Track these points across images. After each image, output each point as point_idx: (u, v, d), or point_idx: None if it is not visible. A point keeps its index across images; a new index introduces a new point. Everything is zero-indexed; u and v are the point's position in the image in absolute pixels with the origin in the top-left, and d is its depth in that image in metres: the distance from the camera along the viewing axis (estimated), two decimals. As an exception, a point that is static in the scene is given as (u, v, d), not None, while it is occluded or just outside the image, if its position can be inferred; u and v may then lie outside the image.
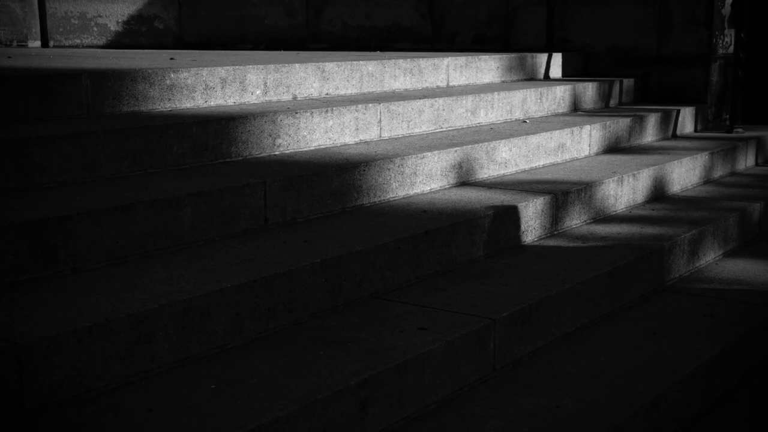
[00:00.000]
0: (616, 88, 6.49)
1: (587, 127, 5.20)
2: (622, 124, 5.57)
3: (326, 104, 4.41)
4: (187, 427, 2.16)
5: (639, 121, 5.78)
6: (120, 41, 8.07)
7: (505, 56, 6.25)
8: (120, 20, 8.06)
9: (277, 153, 3.97)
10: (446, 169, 4.17)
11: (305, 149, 4.10)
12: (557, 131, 4.95)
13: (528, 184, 4.26)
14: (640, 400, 2.79)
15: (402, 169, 3.93)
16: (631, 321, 3.49)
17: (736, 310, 3.65)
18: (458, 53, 6.28)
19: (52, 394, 2.27)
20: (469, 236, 3.56)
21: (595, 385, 2.87)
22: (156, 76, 4.04)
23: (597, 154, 5.30)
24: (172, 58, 5.61)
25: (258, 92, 4.50)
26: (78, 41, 7.96)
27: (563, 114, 5.83)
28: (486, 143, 4.41)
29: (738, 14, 6.50)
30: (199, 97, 4.21)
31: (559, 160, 4.96)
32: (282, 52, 7.19)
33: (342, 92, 4.96)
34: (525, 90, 5.54)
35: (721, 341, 3.30)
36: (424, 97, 4.91)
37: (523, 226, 3.85)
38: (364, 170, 3.75)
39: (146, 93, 3.98)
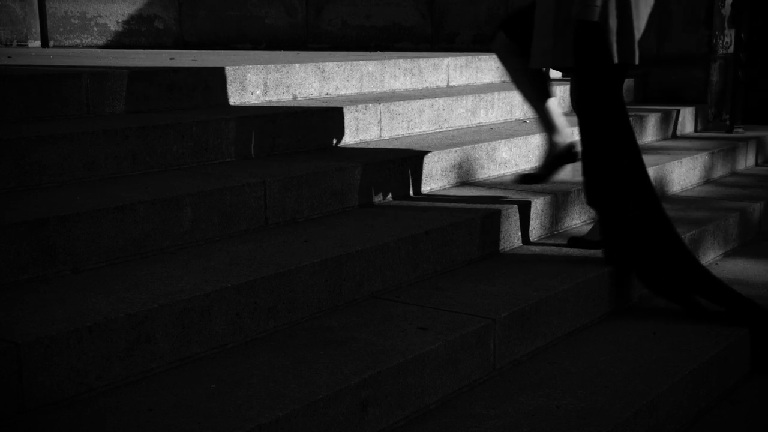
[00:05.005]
0: (616, 88, 6.48)
1: (587, 127, 5.19)
2: (622, 124, 5.56)
3: (326, 104, 4.41)
4: (187, 426, 2.16)
5: (639, 121, 5.78)
6: (120, 41, 8.06)
7: (505, 56, 6.24)
8: (120, 20, 8.06)
9: (277, 153, 3.97)
10: (446, 169, 4.17)
11: (305, 149, 4.09)
12: (557, 131, 4.94)
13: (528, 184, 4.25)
14: (641, 399, 2.79)
15: (402, 169, 3.93)
16: (632, 321, 3.49)
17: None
18: (458, 53, 6.28)
19: (52, 394, 2.27)
20: (469, 236, 3.56)
21: (595, 385, 2.87)
22: (156, 76, 4.04)
23: (597, 154, 5.29)
24: (172, 58, 5.61)
25: (258, 92, 4.50)
26: (78, 41, 7.96)
27: (563, 114, 5.81)
28: (486, 143, 4.41)
29: (738, 14, 6.50)
30: (200, 97, 4.21)
31: (559, 160, 4.95)
32: (282, 51, 7.19)
33: (342, 92, 4.96)
34: (525, 90, 5.53)
35: (721, 341, 3.30)
36: (424, 97, 4.91)
37: (523, 226, 3.85)
38: (363, 170, 3.74)
39: (146, 93, 3.98)
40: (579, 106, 3.67)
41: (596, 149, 3.58)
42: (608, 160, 3.56)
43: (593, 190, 3.63)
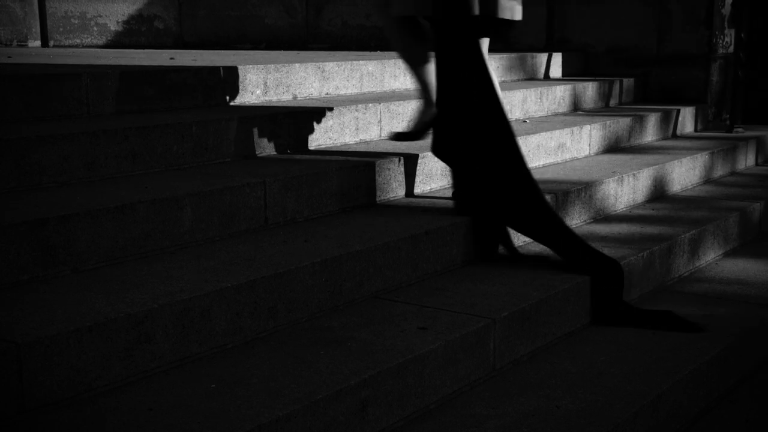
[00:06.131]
0: (616, 87, 6.49)
1: (587, 127, 5.20)
2: (622, 123, 5.57)
3: (326, 104, 4.41)
4: (187, 426, 2.16)
5: (639, 121, 5.78)
6: (120, 41, 8.07)
7: (505, 56, 6.25)
8: (120, 20, 8.06)
9: (277, 152, 3.97)
10: (446, 169, 4.16)
11: (305, 148, 4.10)
12: (557, 131, 4.95)
13: (528, 183, 4.25)
14: (641, 400, 2.79)
15: (402, 169, 3.93)
16: (631, 321, 3.49)
17: (736, 310, 3.65)
18: (458, 53, 6.27)
19: (52, 394, 2.27)
20: (469, 235, 3.55)
21: (595, 385, 2.87)
22: (156, 76, 4.04)
23: (597, 153, 5.30)
24: (172, 58, 5.61)
25: (258, 92, 4.50)
26: (78, 41, 7.96)
27: (563, 114, 5.83)
28: (486, 143, 4.40)
29: (738, 14, 6.50)
30: (200, 97, 4.21)
31: (559, 159, 4.96)
32: (282, 51, 7.19)
33: (342, 92, 4.96)
34: (525, 90, 5.54)
35: (721, 341, 3.30)
36: (424, 96, 4.90)
37: (523, 226, 3.85)
38: (363, 170, 3.74)
39: (146, 92, 3.98)
40: (436, 55, 3.72)
41: (450, 100, 3.66)
42: (462, 112, 3.64)
43: (441, 141, 3.72)
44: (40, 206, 2.84)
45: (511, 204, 3.60)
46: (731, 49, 6.74)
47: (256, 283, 2.74)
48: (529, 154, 4.71)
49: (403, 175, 3.94)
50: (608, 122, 5.42)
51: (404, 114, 4.62)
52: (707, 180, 5.47)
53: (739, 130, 6.42)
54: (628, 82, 6.63)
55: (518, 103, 5.45)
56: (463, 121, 3.64)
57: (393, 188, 3.90)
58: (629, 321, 3.41)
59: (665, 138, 6.11)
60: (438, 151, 3.76)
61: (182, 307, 2.54)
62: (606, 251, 3.74)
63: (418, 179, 4.02)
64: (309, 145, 4.12)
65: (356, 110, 4.36)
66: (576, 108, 6.03)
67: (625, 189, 4.58)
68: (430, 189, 4.09)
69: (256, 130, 3.87)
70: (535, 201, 3.60)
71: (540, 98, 5.65)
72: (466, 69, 3.63)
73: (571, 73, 6.82)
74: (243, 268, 2.83)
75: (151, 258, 2.94)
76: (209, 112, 3.96)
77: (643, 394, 2.83)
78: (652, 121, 5.94)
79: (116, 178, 3.35)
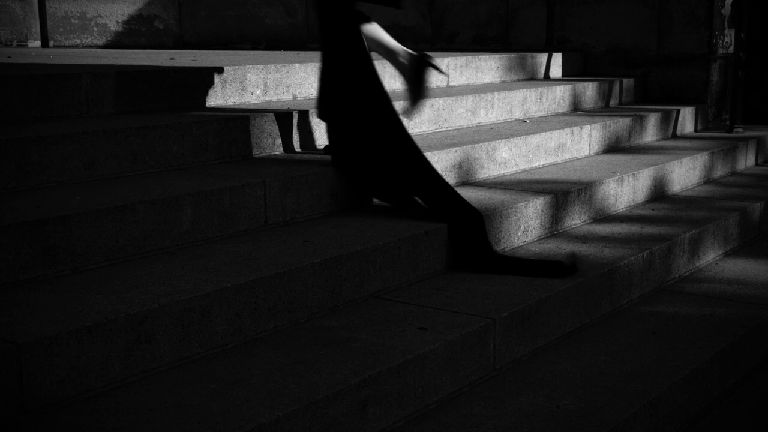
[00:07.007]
0: (616, 87, 6.49)
1: (587, 127, 5.20)
2: (622, 123, 5.57)
3: (326, 104, 4.40)
4: (187, 426, 2.16)
5: (639, 121, 5.78)
6: (120, 41, 8.07)
7: (505, 56, 6.25)
8: (120, 20, 8.06)
9: (277, 153, 3.97)
10: (446, 169, 4.17)
11: (306, 148, 4.09)
12: (557, 131, 4.95)
13: (528, 183, 4.26)
14: (640, 399, 2.80)
15: (402, 169, 3.93)
16: (631, 321, 3.49)
17: (736, 310, 3.65)
18: (458, 53, 6.28)
19: (52, 394, 2.27)
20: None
21: (595, 385, 2.87)
22: (156, 76, 4.04)
23: (597, 153, 5.30)
24: (172, 58, 5.61)
25: (258, 92, 4.50)
26: (78, 41, 7.96)
27: (563, 114, 5.83)
28: (486, 143, 4.41)
29: (738, 14, 6.50)
30: (200, 97, 4.21)
31: (559, 159, 4.96)
32: (282, 51, 7.19)
33: (342, 92, 4.95)
34: (525, 90, 5.54)
35: (721, 341, 3.30)
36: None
37: (523, 226, 3.85)
38: (364, 170, 3.74)
39: (146, 93, 3.98)
40: (319, 22, 3.77)
41: (329, 65, 3.72)
42: (339, 76, 3.70)
43: (325, 105, 3.78)
44: (40, 206, 2.84)
45: (384, 157, 3.66)
46: (731, 49, 6.74)
47: (256, 283, 2.74)
48: (529, 154, 4.71)
49: (403, 175, 3.93)
50: (608, 122, 5.42)
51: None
52: (707, 180, 5.47)
53: (739, 130, 6.42)
54: (628, 82, 6.63)
55: (518, 103, 5.45)
56: (337, 83, 3.72)
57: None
58: (491, 267, 3.43)
59: (665, 138, 6.11)
60: (321, 113, 3.82)
61: (182, 307, 2.54)
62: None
63: (418, 179, 4.01)
64: (309, 145, 4.12)
65: (356, 110, 4.35)
66: (576, 108, 6.03)
67: (625, 189, 4.58)
68: (430, 189, 4.09)
69: (256, 130, 3.87)
70: (409, 154, 3.67)
71: (540, 98, 5.65)
72: (345, 37, 3.68)
73: (570, 73, 6.82)
74: (243, 269, 2.83)
75: (151, 258, 2.94)
76: (209, 112, 3.96)
77: (643, 394, 2.83)
78: (652, 121, 5.94)
79: (116, 178, 3.35)
